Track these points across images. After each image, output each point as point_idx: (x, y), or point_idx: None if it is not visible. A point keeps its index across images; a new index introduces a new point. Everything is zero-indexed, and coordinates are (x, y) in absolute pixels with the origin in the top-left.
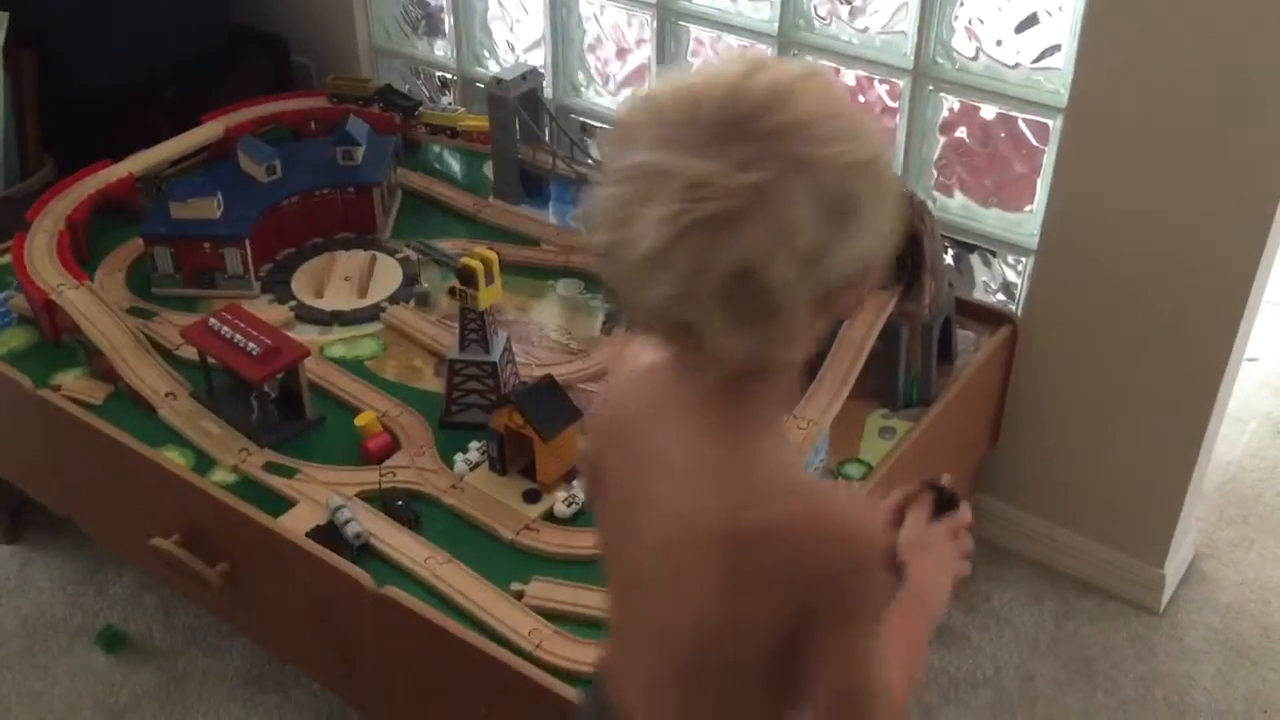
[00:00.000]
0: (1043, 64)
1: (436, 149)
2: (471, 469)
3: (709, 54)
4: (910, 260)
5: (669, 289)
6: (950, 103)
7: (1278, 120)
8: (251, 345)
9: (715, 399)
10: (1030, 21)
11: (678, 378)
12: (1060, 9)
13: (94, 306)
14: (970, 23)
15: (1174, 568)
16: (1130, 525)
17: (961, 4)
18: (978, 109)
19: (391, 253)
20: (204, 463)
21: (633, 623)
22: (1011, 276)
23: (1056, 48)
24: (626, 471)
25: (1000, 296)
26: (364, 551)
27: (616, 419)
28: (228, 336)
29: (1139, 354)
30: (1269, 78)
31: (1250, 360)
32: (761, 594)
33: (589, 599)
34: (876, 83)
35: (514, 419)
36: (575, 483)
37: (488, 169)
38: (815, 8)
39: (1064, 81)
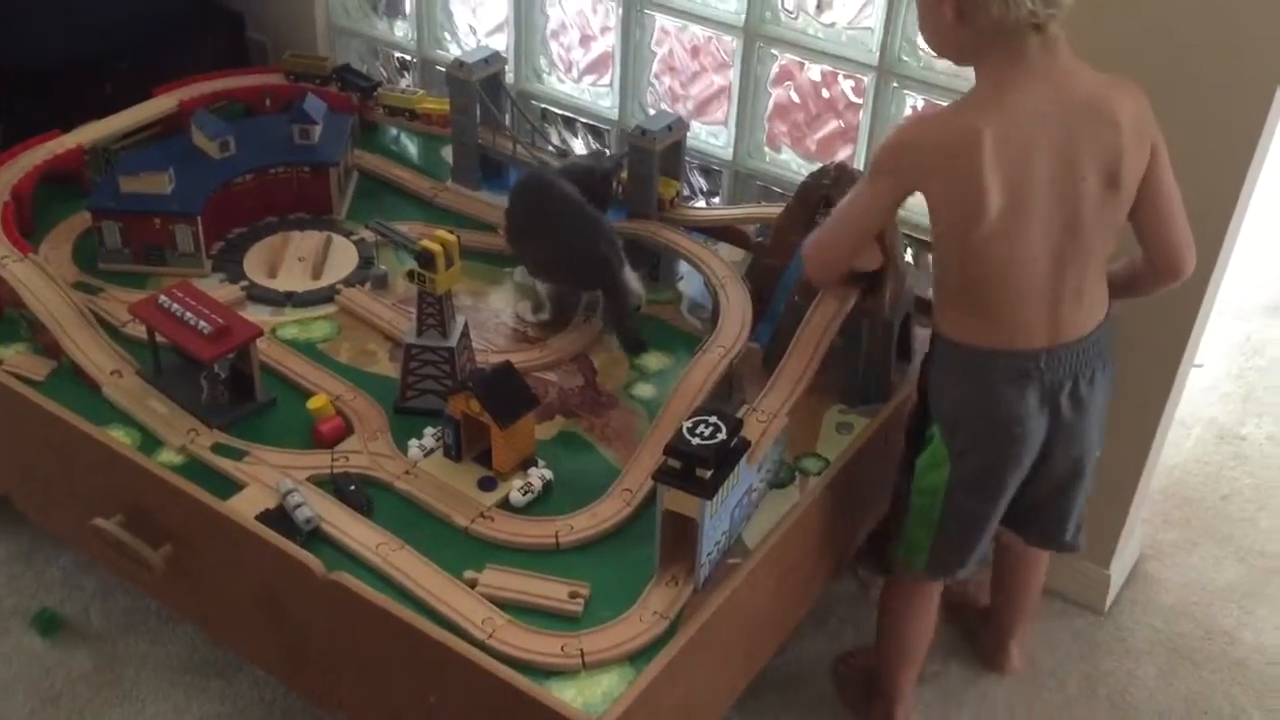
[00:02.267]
0: None
1: (394, 131)
2: (426, 455)
3: (675, 44)
4: None
5: None
6: (915, 100)
7: (1233, 130)
8: (203, 324)
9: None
10: None
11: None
12: None
13: (39, 280)
14: None
15: (1119, 568)
16: None
17: None
18: None
19: (347, 234)
20: (150, 443)
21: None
22: None
23: None
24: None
25: None
26: (314, 536)
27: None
28: (178, 314)
29: None
30: (1232, 88)
31: (1196, 367)
32: None
33: (543, 588)
34: (841, 78)
35: (471, 405)
36: (531, 471)
37: (446, 153)
38: (782, 1)
39: None
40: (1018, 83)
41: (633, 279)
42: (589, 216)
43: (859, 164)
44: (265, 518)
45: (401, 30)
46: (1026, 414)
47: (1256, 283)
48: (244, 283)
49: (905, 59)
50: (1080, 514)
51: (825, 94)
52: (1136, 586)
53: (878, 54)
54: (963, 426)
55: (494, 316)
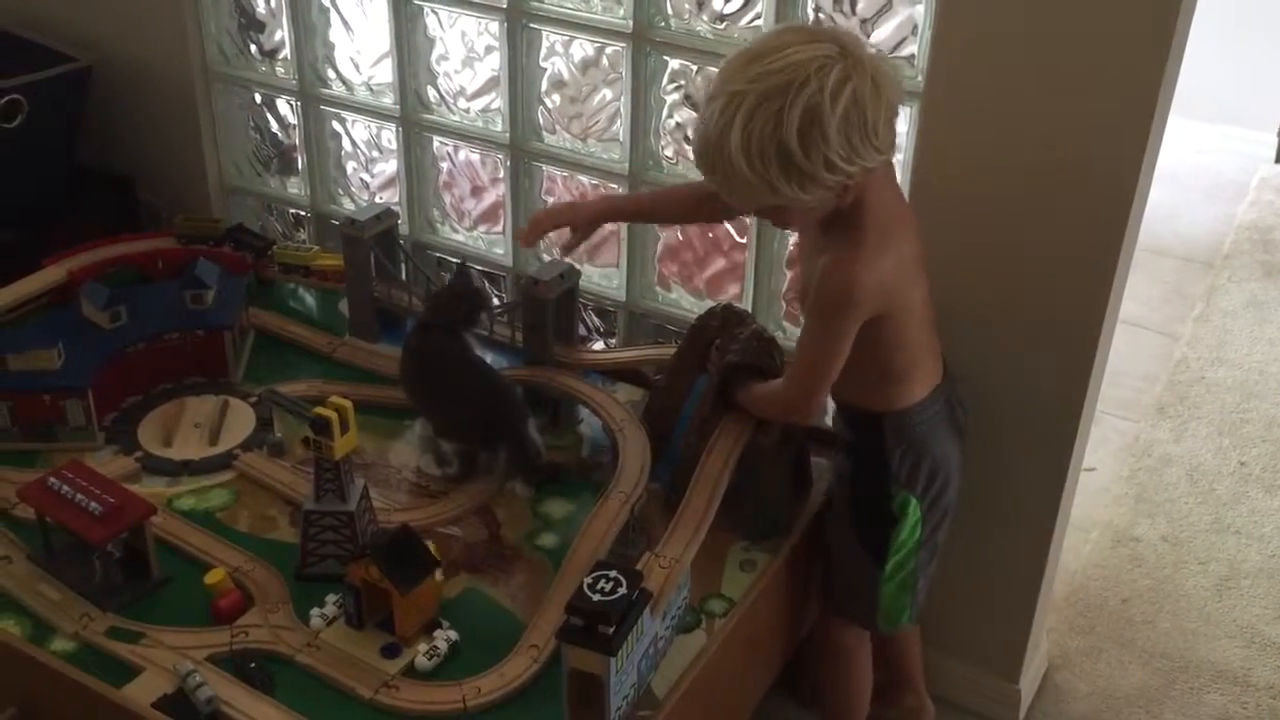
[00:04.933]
0: None
1: (291, 287)
2: (328, 624)
3: (560, 191)
4: None
5: None
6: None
7: (1102, 227)
8: (93, 504)
9: None
10: None
11: None
12: None
13: None
14: None
15: (1029, 681)
16: (985, 641)
17: None
18: None
19: (243, 396)
20: (42, 631)
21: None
22: None
23: None
24: None
25: None
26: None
27: None
28: (68, 496)
29: (983, 469)
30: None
31: (1088, 470)
32: None
33: None
34: None
35: (370, 572)
36: (436, 633)
37: (344, 306)
38: (662, 150)
39: None
40: (884, 196)
41: (533, 430)
42: (487, 375)
43: (746, 300)
44: (163, 704)
45: (295, 187)
46: (959, 432)
47: (1143, 382)
48: (138, 453)
49: None
50: None
51: (710, 234)
52: (1047, 699)
53: None
54: (931, 471)
55: (396, 473)
